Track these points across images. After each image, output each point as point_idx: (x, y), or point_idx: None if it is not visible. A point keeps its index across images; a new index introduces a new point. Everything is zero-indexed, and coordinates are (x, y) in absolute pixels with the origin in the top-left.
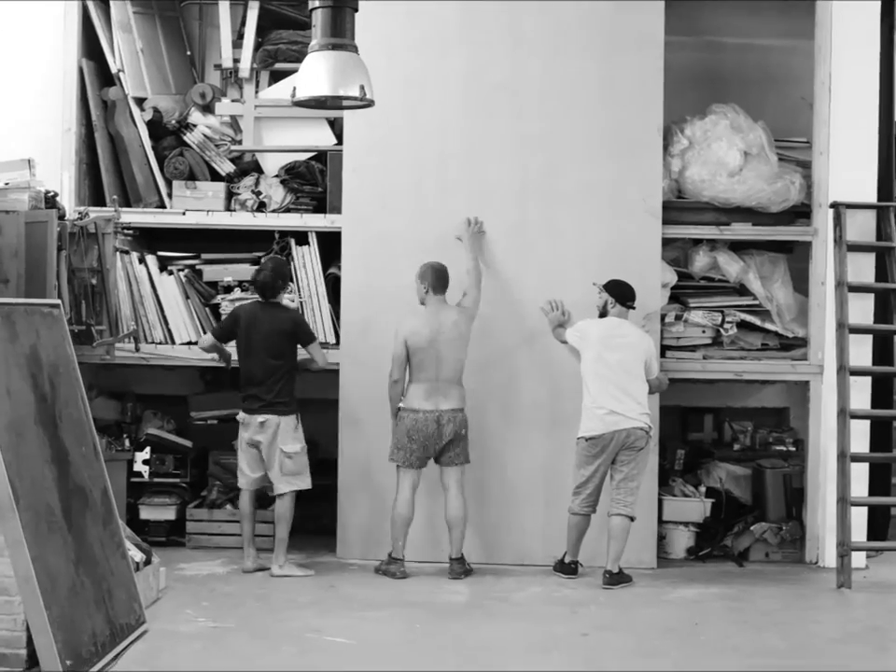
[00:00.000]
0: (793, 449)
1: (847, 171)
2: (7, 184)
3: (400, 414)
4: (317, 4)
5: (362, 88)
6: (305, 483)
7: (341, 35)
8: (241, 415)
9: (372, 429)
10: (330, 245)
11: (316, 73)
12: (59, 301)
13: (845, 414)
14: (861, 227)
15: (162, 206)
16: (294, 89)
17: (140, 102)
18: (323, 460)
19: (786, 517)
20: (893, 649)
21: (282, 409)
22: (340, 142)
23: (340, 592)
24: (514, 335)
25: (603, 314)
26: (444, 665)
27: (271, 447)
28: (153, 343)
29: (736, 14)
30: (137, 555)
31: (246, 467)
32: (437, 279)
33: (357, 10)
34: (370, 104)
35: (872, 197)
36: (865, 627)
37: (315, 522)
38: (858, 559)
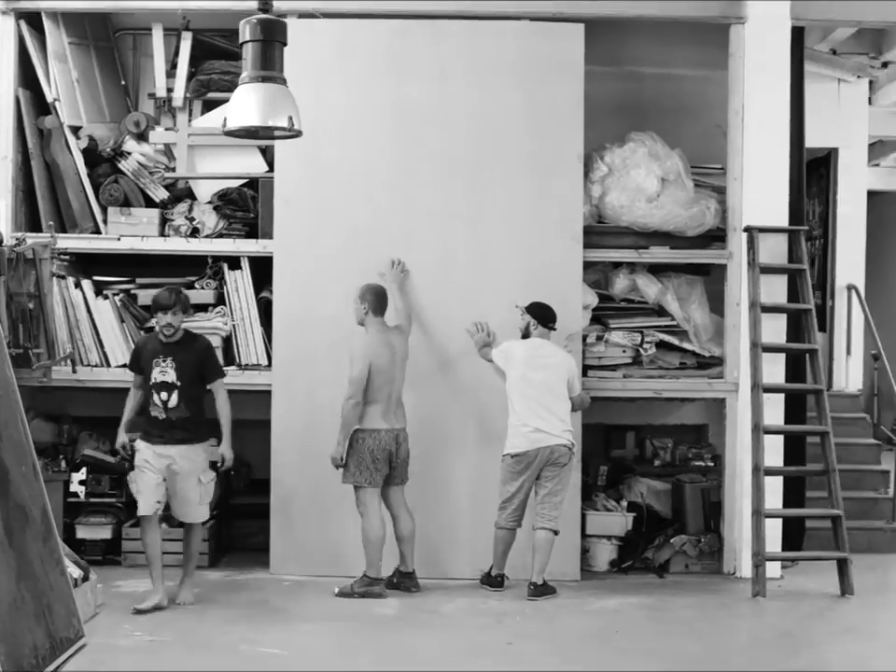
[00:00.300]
0: (711, 464)
1: (760, 196)
2: None
3: (359, 436)
4: (248, 38)
5: (290, 119)
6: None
7: (270, 69)
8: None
9: (304, 450)
10: (262, 270)
11: (247, 104)
12: None
13: (758, 430)
14: (773, 250)
15: (98, 232)
16: (225, 119)
17: (75, 130)
18: (255, 480)
19: (704, 530)
20: (802, 653)
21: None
22: (271, 169)
23: (274, 606)
24: (441, 356)
25: (526, 335)
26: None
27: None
28: (89, 365)
29: (654, 45)
30: (75, 572)
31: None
32: (377, 300)
33: (286, 45)
34: (298, 134)
35: (783, 221)
36: (777, 633)
37: (248, 539)
38: (773, 569)
